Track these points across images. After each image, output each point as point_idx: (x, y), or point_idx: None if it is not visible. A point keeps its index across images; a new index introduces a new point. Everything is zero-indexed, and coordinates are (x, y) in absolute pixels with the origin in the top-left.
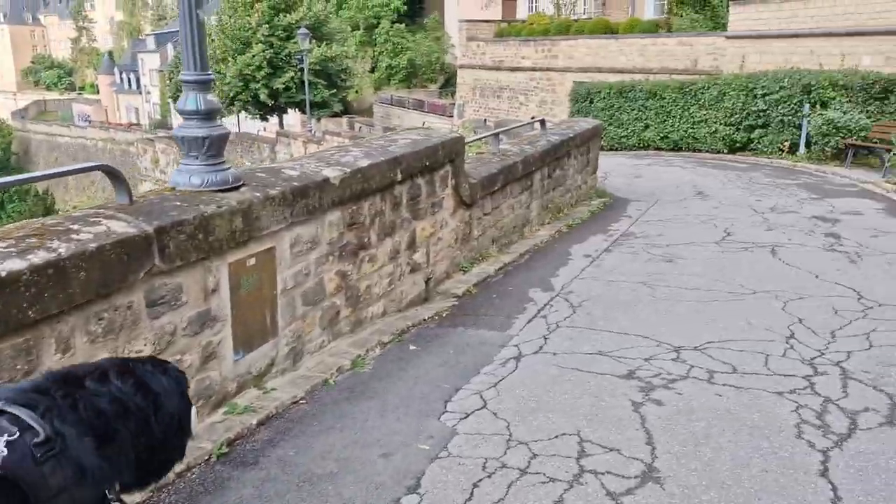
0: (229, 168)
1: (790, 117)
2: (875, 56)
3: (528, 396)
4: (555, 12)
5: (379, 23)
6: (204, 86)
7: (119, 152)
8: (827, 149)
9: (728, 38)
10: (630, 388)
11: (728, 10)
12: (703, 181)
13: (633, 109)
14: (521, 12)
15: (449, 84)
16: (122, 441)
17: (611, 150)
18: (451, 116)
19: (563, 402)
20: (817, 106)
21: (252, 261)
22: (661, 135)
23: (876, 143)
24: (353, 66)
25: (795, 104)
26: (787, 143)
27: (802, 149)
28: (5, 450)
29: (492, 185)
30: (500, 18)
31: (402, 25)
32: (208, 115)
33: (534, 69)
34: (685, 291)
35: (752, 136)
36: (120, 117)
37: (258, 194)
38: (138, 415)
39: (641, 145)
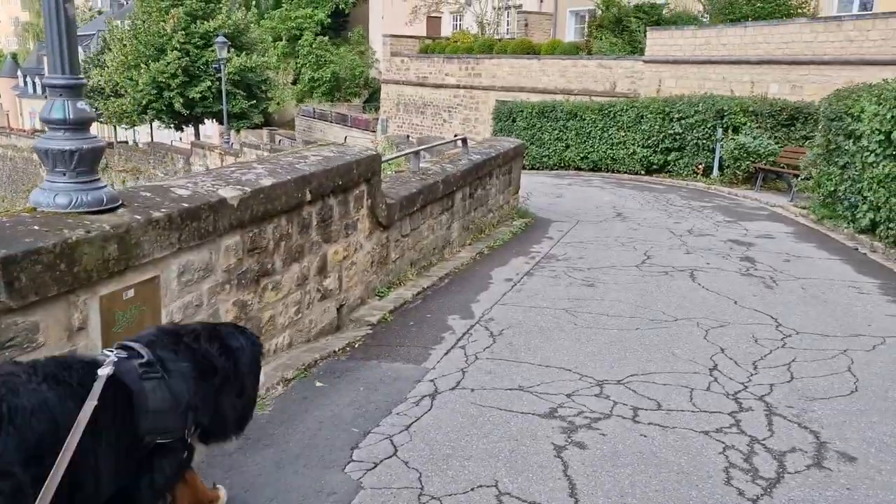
0: (104, 186)
1: (704, 141)
2: (782, 84)
3: (444, 441)
4: (479, 31)
5: (302, 34)
6: (73, 91)
7: (21, 160)
8: (739, 172)
9: (646, 62)
10: (552, 430)
11: (645, 35)
12: (623, 202)
13: (555, 129)
14: (446, 30)
15: (373, 99)
16: (207, 391)
17: (532, 169)
18: (374, 132)
19: (481, 448)
20: (730, 131)
21: (130, 293)
22: (582, 155)
23: (783, 167)
24: (275, 77)
25: (709, 128)
26: (701, 166)
27: (716, 172)
28: (116, 358)
29: (411, 205)
30: (425, 35)
31: (326, 38)
32: (78, 126)
33: (458, 87)
34: (608, 319)
35: (669, 158)
36: (23, 123)
37: (139, 217)
38: (222, 373)
39: (562, 165)
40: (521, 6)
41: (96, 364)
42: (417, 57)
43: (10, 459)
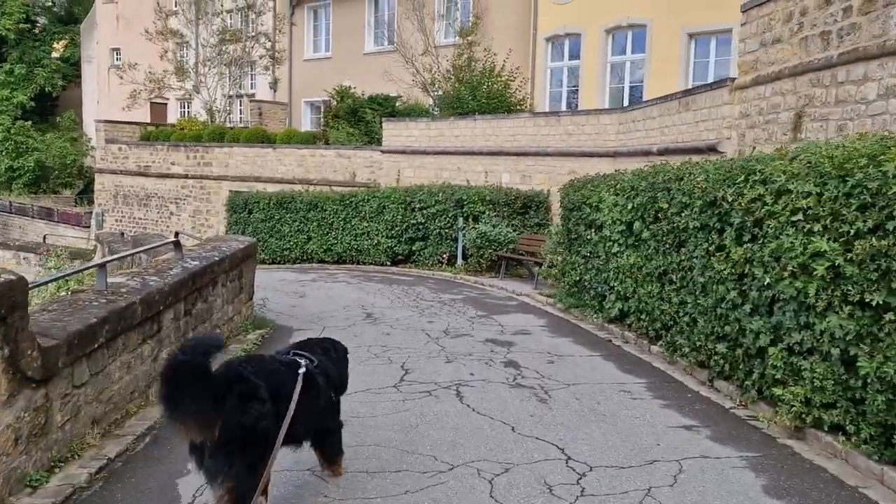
0: None
1: (447, 230)
2: (513, 174)
3: None
4: (208, 118)
5: None
6: None
7: None
8: (482, 260)
9: (383, 152)
10: None
11: (381, 126)
12: (372, 299)
13: (295, 221)
14: (172, 117)
15: (89, 190)
16: (337, 372)
17: (273, 263)
18: (88, 227)
19: None
20: (470, 219)
21: None
22: (325, 247)
23: (523, 255)
24: None
25: (451, 217)
26: (446, 255)
27: (460, 260)
28: (308, 363)
29: (89, 341)
30: (149, 122)
31: (29, 123)
32: None
33: (186, 176)
34: (368, 481)
35: (414, 248)
36: None
37: None
38: (331, 373)
39: (305, 258)
40: (254, 95)
41: (298, 363)
42: (138, 145)
43: (265, 396)
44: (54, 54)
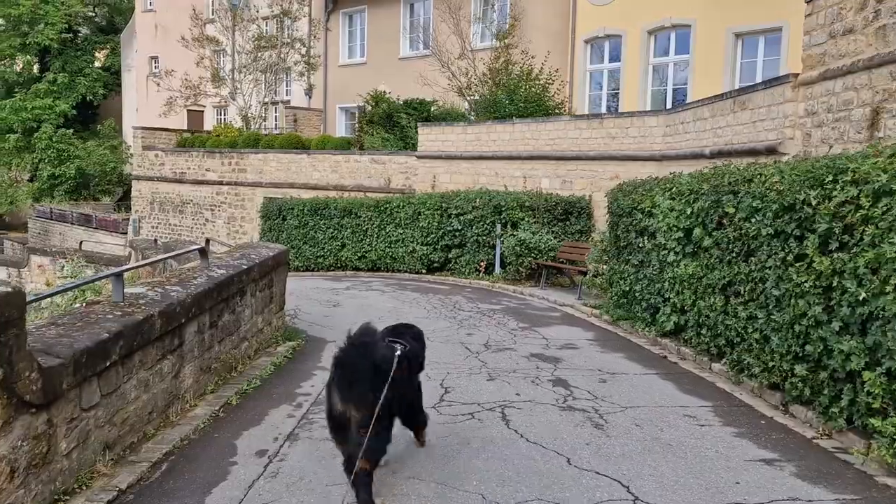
0: None
1: (485, 237)
2: (553, 179)
3: None
4: (243, 125)
5: (40, 126)
6: None
7: None
8: (521, 269)
9: (419, 157)
10: None
11: (416, 131)
12: (407, 309)
13: (329, 228)
14: (209, 124)
15: (128, 197)
16: (420, 353)
17: (307, 271)
18: (126, 233)
19: None
20: (509, 226)
21: None
22: (359, 254)
23: (564, 263)
24: (6, 174)
25: (488, 224)
26: (483, 263)
27: (498, 269)
28: (403, 347)
29: (100, 358)
30: (185, 129)
31: (70, 131)
32: None
33: (220, 183)
34: None
35: (450, 255)
36: None
37: None
38: (420, 355)
39: (339, 265)
40: (289, 101)
41: (394, 348)
42: (174, 151)
43: (366, 366)
44: (96, 64)
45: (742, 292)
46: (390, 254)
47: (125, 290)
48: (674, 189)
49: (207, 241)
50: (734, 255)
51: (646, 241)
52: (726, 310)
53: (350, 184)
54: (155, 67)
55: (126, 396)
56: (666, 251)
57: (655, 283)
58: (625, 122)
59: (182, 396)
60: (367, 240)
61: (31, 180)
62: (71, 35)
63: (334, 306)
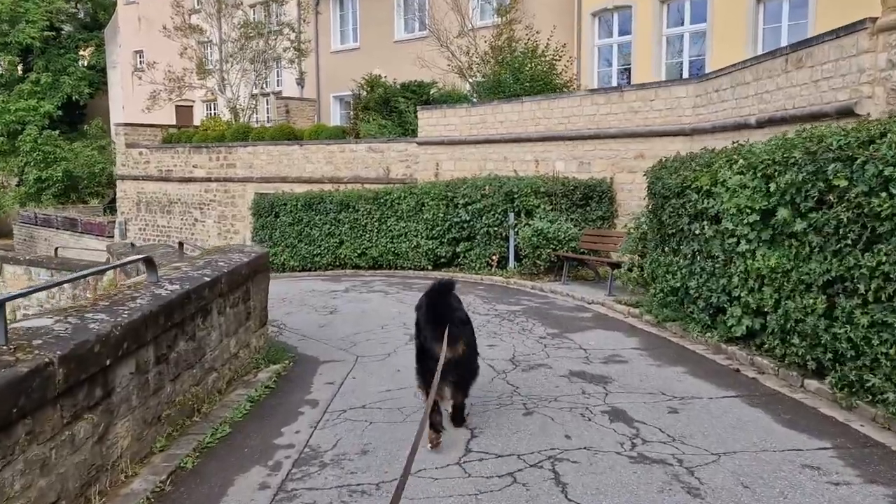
0: None
1: (496, 228)
2: (568, 161)
3: None
4: (231, 118)
5: (24, 129)
6: None
7: None
8: (539, 262)
9: (420, 143)
10: None
11: (416, 116)
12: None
13: (325, 223)
14: (198, 120)
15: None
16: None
17: (303, 270)
18: (112, 237)
19: None
20: (523, 215)
21: None
22: (359, 251)
23: (586, 254)
24: None
25: (500, 214)
26: (495, 257)
27: (512, 262)
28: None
29: None
30: (173, 124)
31: (56, 132)
32: None
33: (209, 179)
34: None
35: (458, 249)
36: None
37: None
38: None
39: (338, 264)
40: (280, 92)
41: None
42: (159, 148)
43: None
44: (82, 62)
45: (861, 291)
46: (392, 249)
47: (22, 325)
48: (742, 161)
49: (180, 244)
50: (847, 242)
51: (705, 227)
52: (832, 314)
53: (346, 175)
54: (140, 62)
55: (3, 490)
56: (735, 239)
57: (718, 277)
58: (649, 93)
59: (113, 466)
60: (367, 235)
61: (19, 185)
62: (53, 33)
63: (331, 313)
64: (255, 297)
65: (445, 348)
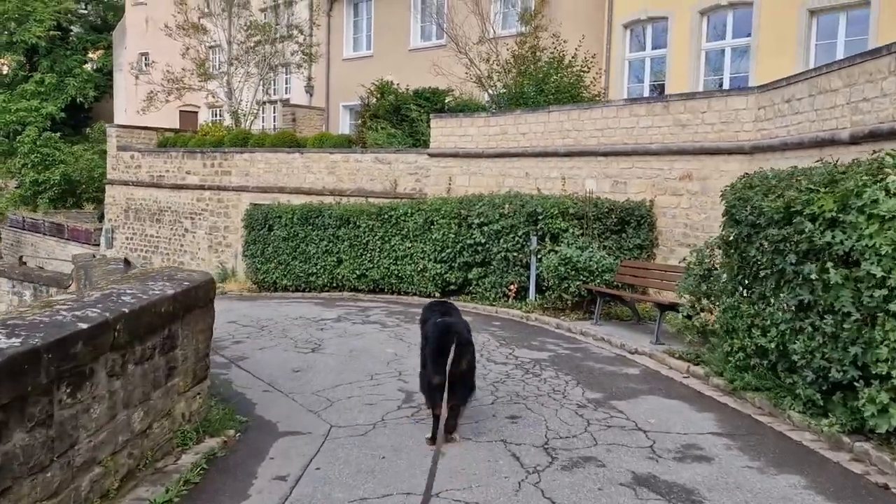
0: None
1: (515, 253)
2: (600, 180)
3: None
4: (232, 123)
5: (24, 130)
6: None
7: None
8: (566, 295)
9: (431, 155)
10: None
11: (429, 125)
12: (415, 361)
13: (323, 240)
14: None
15: None
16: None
17: (297, 291)
18: (98, 245)
19: None
20: (547, 239)
21: None
22: (358, 272)
23: (621, 288)
24: None
25: (521, 237)
26: (513, 287)
27: (533, 294)
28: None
29: None
30: (169, 128)
31: (57, 134)
32: None
33: (202, 187)
34: None
35: (470, 275)
36: None
37: None
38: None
39: (335, 285)
40: (288, 100)
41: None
42: (151, 152)
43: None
44: (89, 65)
45: None
46: (395, 272)
47: None
48: None
49: (126, 260)
50: None
51: (828, 270)
52: None
53: (349, 187)
54: (145, 65)
55: None
56: (884, 291)
57: (846, 342)
58: (700, 104)
59: None
60: (368, 255)
61: (18, 187)
62: (59, 33)
63: (313, 350)
64: (187, 345)
65: (450, 365)
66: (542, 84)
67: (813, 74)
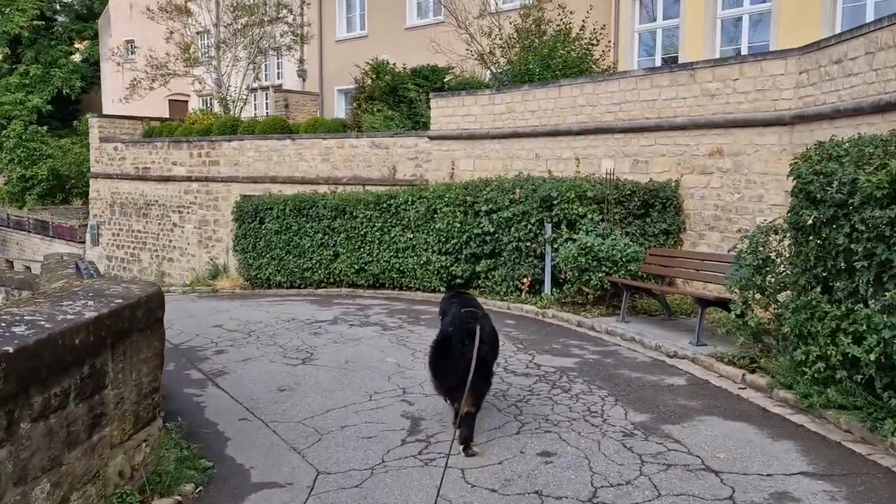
0: None
1: (528, 243)
2: (619, 159)
3: None
4: (221, 110)
5: (9, 124)
6: None
7: None
8: (587, 289)
9: (432, 138)
10: None
11: (428, 106)
12: (421, 372)
13: (318, 232)
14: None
15: None
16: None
17: (291, 287)
18: (83, 242)
19: None
20: (563, 226)
21: None
22: (356, 266)
23: (649, 280)
24: None
25: (534, 224)
26: (526, 281)
27: (548, 288)
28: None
29: None
30: (155, 117)
31: (44, 128)
32: None
33: (189, 179)
34: None
35: (478, 268)
36: None
37: None
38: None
39: (332, 280)
40: (280, 85)
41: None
42: (136, 143)
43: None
44: (76, 56)
45: None
46: (397, 265)
47: None
48: None
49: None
50: None
51: None
52: None
53: (345, 175)
54: (130, 52)
55: None
56: None
57: None
58: (730, 71)
59: None
60: (367, 247)
61: (7, 183)
62: (44, 23)
63: (303, 362)
64: (122, 381)
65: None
66: (548, 59)
67: (871, 28)
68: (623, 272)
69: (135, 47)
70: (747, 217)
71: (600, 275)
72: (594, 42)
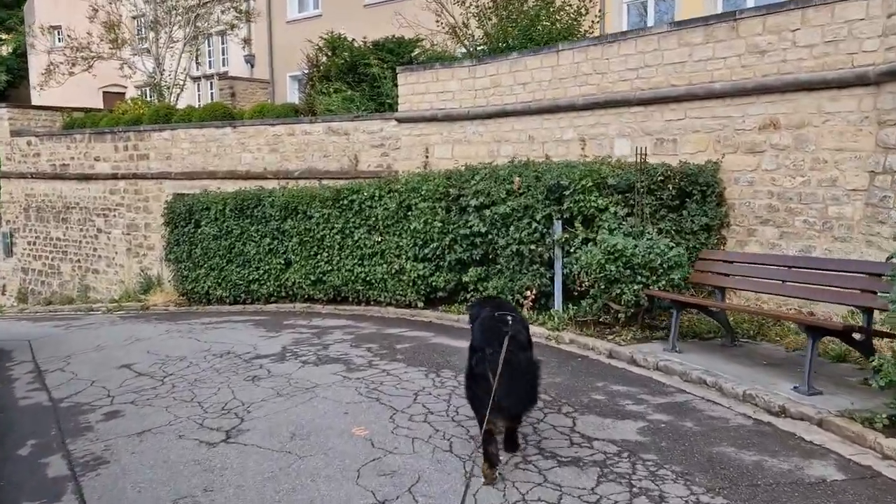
0: None
1: (532, 246)
2: (636, 138)
3: None
4: (156, 98)
5: None
6: None
7: None
8: (616, 306)
9: (401, 121)
10: None
11: (395, 83)
12: (403, 445)
13: (265, 236)
14: None
15: None
16: (524, 323)
17: (235, 303)
18: None
19: None
20: (577, 223)
21: None
22: (313, 277)
23: (693, 292)
24: None
25: (540, 222)
26: (531, 294)
27: (559, 303)
28: (515, 315)
29: None
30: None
31: None
32: None
33: (115, 177)
34: None
35: (466, 278)
36: None
37: None
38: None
39: (284, 294)
40: (227, 73)
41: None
42: (52, 136)
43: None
44: (4, 48)
45: None
46: (362, 275)
47: None
48: None
49: None
50: None
51: None
52: None
53: (297, 167)
54: (59, 40)
55: None
56: None
57: None
58: (788, 18)
59: None
60: (325, 253)
61: None
62: None
63: (227, 437)
64: None
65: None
66: (530, 31)
67: None
68: (664, 283)
69: (62, 33)
70: (815, 207)
71: (636, 287)
72: (583, 11)
